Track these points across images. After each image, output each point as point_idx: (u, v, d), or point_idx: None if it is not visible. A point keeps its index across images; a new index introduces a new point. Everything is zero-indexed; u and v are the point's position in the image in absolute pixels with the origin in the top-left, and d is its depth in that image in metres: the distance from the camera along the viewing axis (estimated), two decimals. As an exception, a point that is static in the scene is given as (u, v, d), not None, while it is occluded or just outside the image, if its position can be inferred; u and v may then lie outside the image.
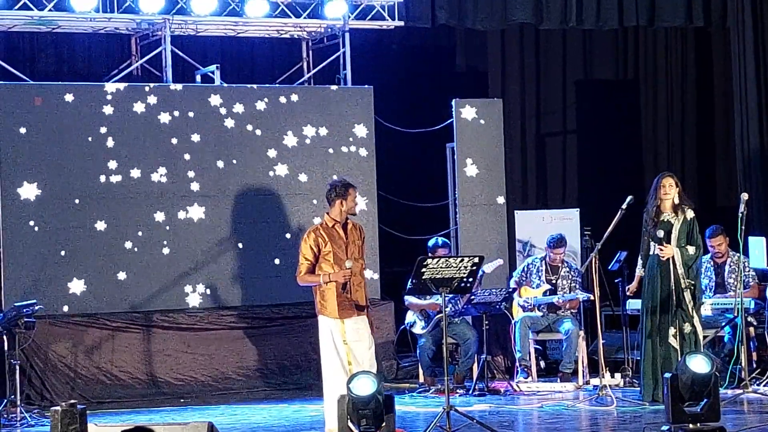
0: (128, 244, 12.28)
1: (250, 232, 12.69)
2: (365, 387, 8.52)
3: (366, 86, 13.27)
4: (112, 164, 12.25)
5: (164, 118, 12.45)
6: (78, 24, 12.83)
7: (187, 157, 12.50)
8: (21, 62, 13.04)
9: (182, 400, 11.97)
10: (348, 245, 9.71)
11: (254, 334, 12.50)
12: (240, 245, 12.65)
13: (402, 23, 13.77)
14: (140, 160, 12.37)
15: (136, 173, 12.34)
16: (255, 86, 12.90)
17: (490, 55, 15.47)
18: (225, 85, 12.84)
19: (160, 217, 12.39)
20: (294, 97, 12.94)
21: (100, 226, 12.19)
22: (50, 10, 12.39)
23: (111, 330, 12.05)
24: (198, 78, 13.15)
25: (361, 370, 8.96)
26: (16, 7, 12.31)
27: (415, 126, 13.77)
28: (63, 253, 12.06)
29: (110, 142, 12.24)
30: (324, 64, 13.63)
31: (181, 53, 13.03)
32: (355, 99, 13.19)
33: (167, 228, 12.42)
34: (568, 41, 15.66)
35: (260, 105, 12.79)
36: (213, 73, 12.90)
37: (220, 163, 12.63)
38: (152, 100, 12.40)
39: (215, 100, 12.64)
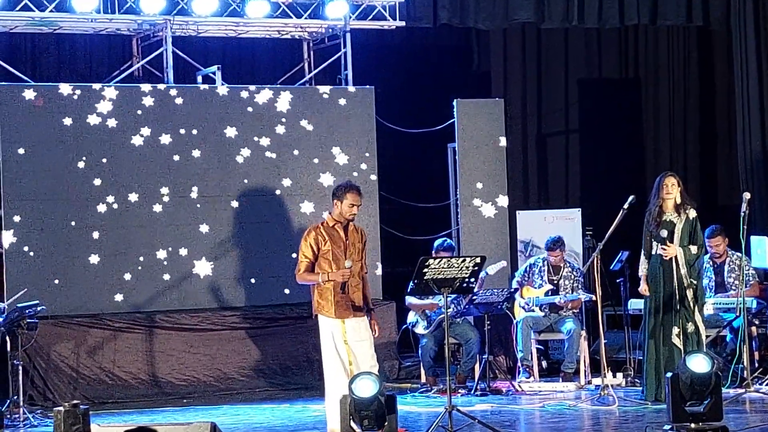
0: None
1: (253, 233, 12.68)
2: (367, 388, 8.52)
3: (367, 86, 13.25)
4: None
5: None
6: (79, 25, 12.84)
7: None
8: (22, 63, 13.04)
9: (185, 401, 11.97)
10: (347, 246, 9.70)
11: (257, 335, 12.49)
12: (243, 246, 12.65)
13: (403, 23, 13.76)
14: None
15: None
16: (253, 87, 12.91)
17: (492, 55, 15.45)
18: (228, 86, 12.86)
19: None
20: (294, 97, 12.94)
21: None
22: (51, 11, 12.39)
23: (113, 330, 12.05)
24: (199, 79, 13.15)
25: (362, 371, 8.95)
26: (18, 8, 12.32)
27: (417, 126, 13.76)
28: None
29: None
30: (325, 64, 13.62)
31: (182, 54, 13.02)
32: (357, 99, 13.18)
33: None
34: (569, 40, 15.64)
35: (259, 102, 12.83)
36: (214, 74, 12.90)
37: (220, 169, 12.62)
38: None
39: (215, 96, 12.67)
